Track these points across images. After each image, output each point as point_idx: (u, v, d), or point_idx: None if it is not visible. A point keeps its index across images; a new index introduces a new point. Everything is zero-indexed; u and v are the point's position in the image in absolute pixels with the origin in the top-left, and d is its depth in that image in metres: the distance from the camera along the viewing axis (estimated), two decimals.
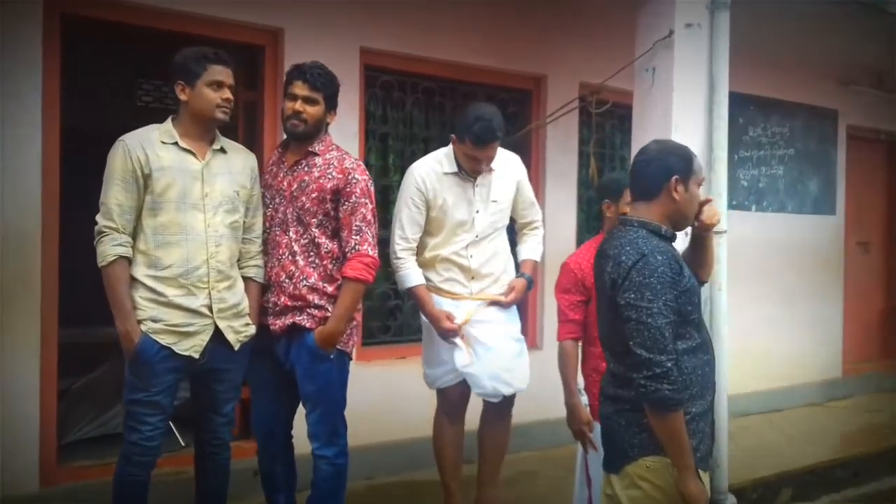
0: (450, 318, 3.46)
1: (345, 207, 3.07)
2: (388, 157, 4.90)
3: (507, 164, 3.70)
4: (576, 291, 3.27)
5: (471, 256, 3.56)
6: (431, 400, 4.11)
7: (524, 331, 5.33)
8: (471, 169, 3.51)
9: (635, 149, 4.52)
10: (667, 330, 2.26)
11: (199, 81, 2.82)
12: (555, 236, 5.32)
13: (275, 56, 4.28)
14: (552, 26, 5.25)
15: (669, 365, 2.24)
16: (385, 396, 4.54)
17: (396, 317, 4.95)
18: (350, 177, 3.08)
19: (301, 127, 3.08)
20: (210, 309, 2.85)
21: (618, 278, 2.35)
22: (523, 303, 5.38)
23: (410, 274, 3.48)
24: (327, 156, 3.12)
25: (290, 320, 3.05)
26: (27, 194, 3.55)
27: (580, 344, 3.33)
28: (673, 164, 2.45)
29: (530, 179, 5.31)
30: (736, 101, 6.36)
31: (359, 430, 3.42)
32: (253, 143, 4.16)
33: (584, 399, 3.29)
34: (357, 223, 3.07)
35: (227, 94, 2.87)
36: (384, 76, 4.78)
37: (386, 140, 4.89)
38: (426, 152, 4.98)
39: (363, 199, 3.09)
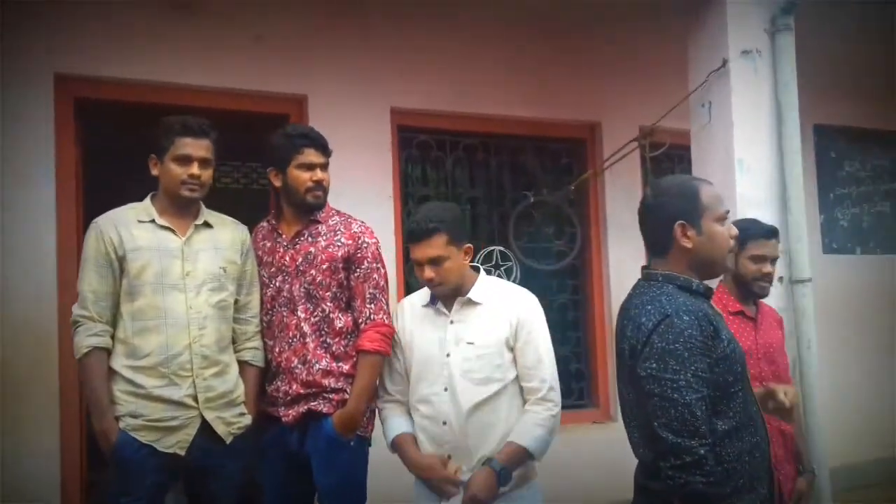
0: (444, 462, 2.59)
1: (356, 275, 2.78)
2: None
3: (501, 299, 2.68)
4: None
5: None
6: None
7: (595, 401, 4.93)
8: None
9: None
10: (698, 407, 1.84)
11: (167, 156, 2.62)
12: (619, 297, 4.83)
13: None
14: (604, 70, 4.89)
15: (703, 452, 1.82)
16: None
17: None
18: (360, 241, 2.81)
19: (323, 197, 2.84)
20: (195, 399, 2.58)
21: (637, 344, 1.94)
22: (590, 366, 4.93)
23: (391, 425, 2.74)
24: (331, 222, 2.86)
25: (305, 407, 2.74)
26: (42, 284, 3.47)
27: None
28: (672, 208, 2.04)
29: (589, 235, 5.01)
30: (823, 134, 5.81)
31: None
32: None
33: None
34: (370, 290, 2.77)
35: (194, 169, 2.62)
36: (420, 136, 4.54)
37: (425, 201, 4.61)
38: (473, 213, 4.77)
39: (375, 265, 2.80)
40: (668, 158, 4.77)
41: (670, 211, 2.04)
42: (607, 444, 4.58)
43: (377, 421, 2.82)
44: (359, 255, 2.78)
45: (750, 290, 2.98)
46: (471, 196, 4.72)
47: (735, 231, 2.11)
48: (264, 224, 2.95)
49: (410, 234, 2.61)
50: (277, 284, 2.82)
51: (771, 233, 3.03)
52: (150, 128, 2.70)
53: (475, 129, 4.65)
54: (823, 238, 5.72)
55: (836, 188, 5.84)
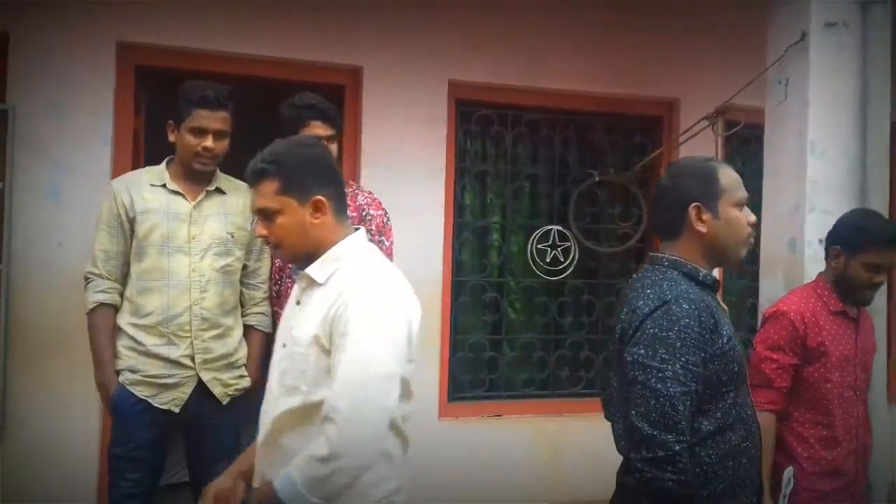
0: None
1: None
2: (485, 196, 4.51)
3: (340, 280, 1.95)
4: (790, 351, 2.58)
5: None
6: (526, 464, 3.67)
7: None
8: None
9: (767, 177, 3.77)
10: (681, 402, 1.73)
11: (183, 125, 2.67)
12: None
13: (355, 95, 4.11)
14: (683, 44, 4.58)
15: (677, 448, 1.71)
16: (477, 458, 4.11)
17: (493, 370, 4.51)
18: (364, 214, 2.82)
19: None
20: (192, 359, 2.66)
21: (629, 328, 1.84)
22: None
23: None
24: None
25: None
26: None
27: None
28: (688, 190, 1.93)
29: None
30: None
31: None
32: None
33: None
34: None
35: (208, 142, 2.65)
36: (481, 110, 4.42)
37: (483, 179, 4.50)
38: (532, 191, 4.62)
39: (377, 237, 2.78)
40: (748, 140, 4.42)
41: (686, 192, 1.93)
42: None
43: None
44: (363, 226, 2.76)
45: (853, 295, 2.70)
46: (531, 173, 4.56)
47: (753, 218, 1.96)
48: None
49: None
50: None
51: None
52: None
53: (540, 104, 4.47)
54: None
55: None
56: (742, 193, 1.94)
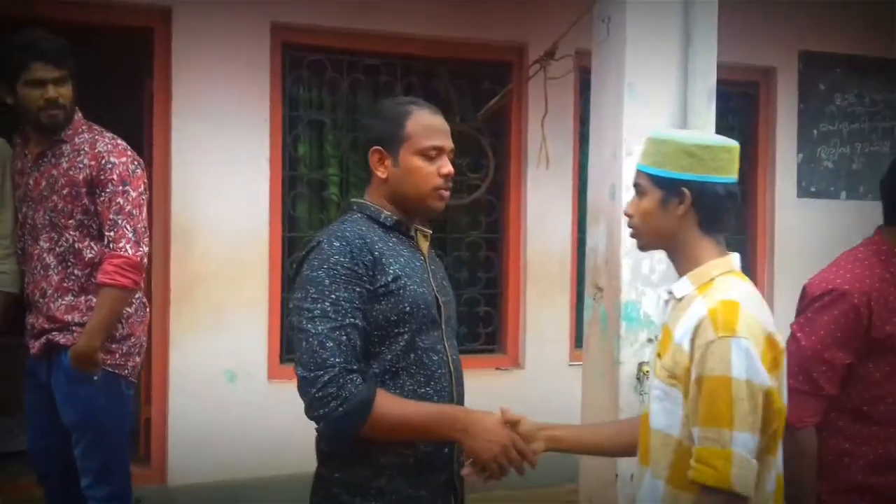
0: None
1: (101, 199, 2.57)
2: (322, 147, 4.29)
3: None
4: (849, 347, 1.93)
5: None
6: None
7: (503, 347, 4.59)
8: None
9: (592, 121, 3.63)
10: (331, 338, 1.64)
11: None
12: (538, 236, 4.45)
13: (165, 39, 3.82)
14: None
15: (327, 378, 1.61)
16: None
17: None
18: (104, 162, 2.56)
19: (61, 115, 2.57)
20: None
21: (294, 274, 1.76)
22: (500, 309, 4.59)
23: None
24: (77, 140, 2.61)
25: (45, 339, 2.60)
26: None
27: None
28: (374, 133, 1.84)
29: (508, 168, 4.52)
30: (812, 61, 5.10)
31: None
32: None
33: None
34: (112, 216, 2.55)
35: None
36: (313, 55, 4.17)
37: (320, 129, 4.27)
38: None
39: (121, 187, 2.56)
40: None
41: (371, 135, 1.87)
42: (510, 391, 4.31)
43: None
44: (102, 177, 2.54)
45: None
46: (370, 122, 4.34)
47: (446, 170, 1.81)
48: (18, 141, 2.70)
49: None
50: (24, 210, 2.62)
51: None
52: None
53: (378, 49, 4.24)
54: (800, 180, 5.10)
55: (821, 124, 5.16)
56: (431, 142, 1.79)
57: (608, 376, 3.47)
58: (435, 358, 1.79)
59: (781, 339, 1.58)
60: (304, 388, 1.64)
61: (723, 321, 1.50)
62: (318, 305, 1.65)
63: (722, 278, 1.61)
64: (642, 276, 3.43)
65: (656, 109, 3.42)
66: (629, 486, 3.40)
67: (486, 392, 4.17)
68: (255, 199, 3.93)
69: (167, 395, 3.95)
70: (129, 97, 4.30)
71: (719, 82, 3.37)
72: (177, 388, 3.92)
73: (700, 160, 1.60)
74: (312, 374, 1.62)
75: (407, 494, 1.71)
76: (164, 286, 3.91)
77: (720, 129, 3.14)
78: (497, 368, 4.51)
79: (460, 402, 1.85)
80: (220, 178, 3.86)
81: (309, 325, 1.65)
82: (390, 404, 1.65)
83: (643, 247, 1.76)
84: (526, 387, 4.36)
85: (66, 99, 2.55)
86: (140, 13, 3.80)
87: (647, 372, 3.40)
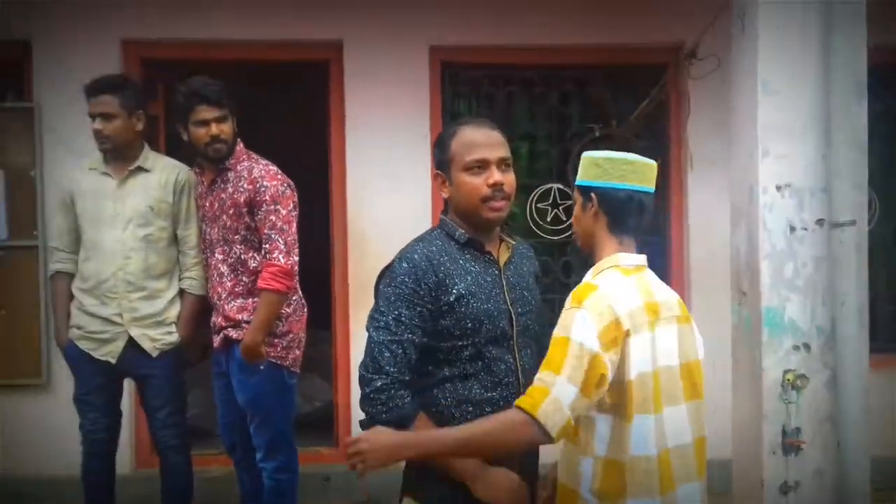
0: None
1: (258, 217, 3.03)
2: None
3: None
4: None
5: None
6: None
7: None
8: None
9: (731, 121, 3.55)
10: (388, 348, 1.88)
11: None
12: (701, 238, 4.39)
13: (338, 68, 4.33)
14: None
15: (380, 384, 1.88)
16: None
17: None
18: (259, 185, 3.03)
19: (224, 148, 3.08)
20: (121, 317, 3.07)
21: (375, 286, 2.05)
22: None
23: None
24: (239, 168, 3.10)
25: (222, 335, 3.12)
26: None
27: None
28: (435, 159, 2.06)
29: (669, 172, 4.41)
30: None
31: None
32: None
33: None
34: (266, 231, 3.01)
35: (97, 125, 3.07)
36: (469, 72, 4.47)
37: None
38: (530, 150, 4.59)
39: (272, 206, 3.01)
40: None
41: (435, 161, 2.05)
42: None
43: None
44: (258, 198, 3.00)
45: None
46: (527, 132, 4.55)
47: (494, 178, 1.96)
48: (196, 170, 3.24)
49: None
50: (204, 227, 3.17)
51: None
52: None
53: (531, 62, 4.44)
54: None
55: None
56: (472, 156, 1.94)
57: (753, 383, 3.39)
58: (503, 367, 1.97)
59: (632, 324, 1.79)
60: (361, 384, 1.91)
61: (576, 297, 1.81)
62: (383, 318, 1.89)
63: (607, 270, 1.89)
64: (785, 281, 3.31)
65: (793, 106, 3.29)
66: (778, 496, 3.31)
67: None
68: (418, 208, 4.29)
69: (350, 383, 4.40)
70: (309, 120, 4.89)
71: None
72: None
73: (605, 170, 1.88)
74: (369, 376, 1.88)
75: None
76: (343, 285, 4.39)
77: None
78: None
79: None
80: (388, 190, 4.28)
81: (374, 333, 1.90)
82: (422, 429, 1.88)
83: (580, 249, 2.04)
84: None
85: (227, 134, 3.05)
86: (318, 48, 4.34)
87: (793, 379, 3.30)
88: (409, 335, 1.89)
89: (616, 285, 1.85)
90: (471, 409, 1.94)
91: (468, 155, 1.95)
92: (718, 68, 3.78)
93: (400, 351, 1.88)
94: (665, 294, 1.96)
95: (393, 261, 1.98)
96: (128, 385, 3.42)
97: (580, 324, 1.76)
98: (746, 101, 3.39)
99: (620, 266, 1.90)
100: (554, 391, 1.71)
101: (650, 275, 1.97)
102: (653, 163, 1.95)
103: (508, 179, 1.99)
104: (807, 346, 3.30)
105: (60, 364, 3.84)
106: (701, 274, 4.39)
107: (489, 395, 1.95)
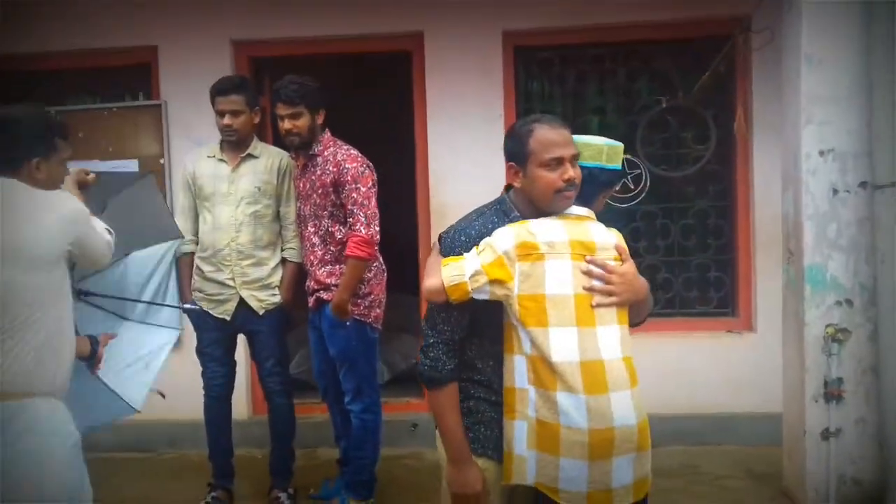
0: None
1: (343, 195, 3.49)
2: None
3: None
4: None
5: None
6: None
7: (735, 310, 4.70)
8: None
9: (783, 92, 3.74)
10: (444, 309, 2.15)
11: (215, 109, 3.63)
12: (766, 202, 4.55)
13: (420, 58, 4.75)
14: None
15: (431, 341, 2.17)
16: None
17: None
18: (342, 168, 3.48)
19: (297, 140, 3.56)
20: (234, 281, 3.64)
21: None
22: (732, 274, 4.77)
23: None
24: (326, 153, 3.56)
25: (315, 296, 3.64)
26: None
27: None
28: (509, 149, 2.22)
29: (732, 138, 4.55)
30: None
31: None
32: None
33: None
34: (350, 207, 3.46)
35: (226, 120, 3.57)
36: (541, 53, 4.79)
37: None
38: (600, 123, 4.86)
39: (354, 185, 3.46)
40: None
41: (507, 151, 2.22)
42: (741, 353, 4.54)
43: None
44: (341, 179, 3.47)
45: None
46: (597, 106, 4.83)
47: (569, 174, 2.11)
48: (292, 155, 3.75)
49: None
50: (299, 205, 3.69)
51: None
52: None
53: (601, 40, 4.70)
54: None
55: None
56: (550, 155, 2.10)
57: (797, 337, 3.62)
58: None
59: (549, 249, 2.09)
60: (424, 334, 2.18)
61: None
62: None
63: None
64: (828, 240, 3.52)
65: (835, 76, 3.48)
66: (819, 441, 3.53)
67: (719, 354, 4.52)
68: (493, 184, 4.66)
69: None
70: (398, 107, 5.33)
71: None
72: None
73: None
74: (427, 331, 2.16)
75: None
76: (428, 254, 4.83)
77: None
78: (728, 331, 4.72)
79: None
80: (465, 168, 4.66)
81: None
82: (445, 401, 2.16)
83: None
84: (757, 349, 4.53)
85: (299, 128, 3.51)
86: (401, 39, 4.77)
87: (834, 333, 3.51)
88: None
89: (542, 223, 2.13)
90: (491, 363, 2.19)
91: (546, 153, 2.11)
92: (773, 41, 3.93)
93: (455, 314, 2.13)
94: (603, 237, 2.18)
95: (453, 229, 2.18)
96: (241, 342, 4.00)
97: (501, 234, 2.10)
98: (792, 71, 3.59)
99: (565, 214, 2.17)
100: (462, 261, 2.10)
101: (594, 224, 2.20)
102: (605, 144, 2.21)
103: (578, 173, 2.14)
104: (849, 302, 3.50)
105: (185, 322, 4.53)
106: (765, 237, 4.56)
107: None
